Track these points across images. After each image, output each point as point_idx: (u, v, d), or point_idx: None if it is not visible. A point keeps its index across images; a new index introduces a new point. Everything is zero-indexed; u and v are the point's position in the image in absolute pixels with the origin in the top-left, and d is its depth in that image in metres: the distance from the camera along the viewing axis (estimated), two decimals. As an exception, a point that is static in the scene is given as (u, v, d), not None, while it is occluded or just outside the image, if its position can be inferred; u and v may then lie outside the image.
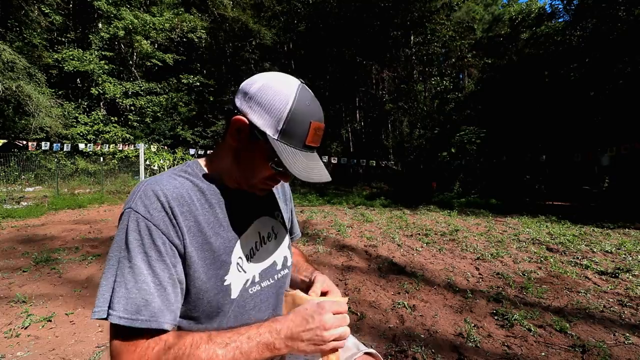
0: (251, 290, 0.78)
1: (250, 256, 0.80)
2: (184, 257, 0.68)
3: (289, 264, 0.91)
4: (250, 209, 0.82)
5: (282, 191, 1.00)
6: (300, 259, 1.05)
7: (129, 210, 0.65)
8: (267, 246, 0.85)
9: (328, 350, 0.67)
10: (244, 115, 0.69)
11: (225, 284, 0.74)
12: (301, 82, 0.72)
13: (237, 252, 0.77)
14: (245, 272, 0.78)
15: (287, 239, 0.93)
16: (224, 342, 0.62)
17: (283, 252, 0.90)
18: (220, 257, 0.73)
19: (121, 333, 0.60)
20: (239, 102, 0.70)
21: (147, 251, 0.63)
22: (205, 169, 0.78)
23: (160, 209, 0.66)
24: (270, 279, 0.84)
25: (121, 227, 0.65)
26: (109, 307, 0.60)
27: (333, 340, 0.65)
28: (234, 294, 0.75)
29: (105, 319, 0.60)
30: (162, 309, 0.62)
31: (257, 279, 0.80)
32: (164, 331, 0.63)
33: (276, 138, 0.67)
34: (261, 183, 0.75)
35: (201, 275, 0.70)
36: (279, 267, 0.87)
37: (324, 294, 0.83)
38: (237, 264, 0.76)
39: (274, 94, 0.67)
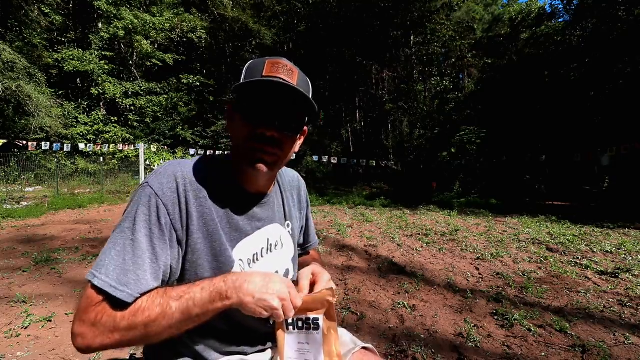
0: None
1: (254, 260, 0.80)
2: (184, 243, 0.70)
3: (290, 276, 0.89)
4: (262, 214, 0.82)
5: (297, 198, 0.98)
6: (311, 259, 1.03)
7: (145, 185, 0.68)
8: (272, 254, 0.84)
9: (279, 324, 0.69)
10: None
11: None
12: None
13: (240, 252, 0.77)
14: None
15: (293, 251, 0.91)
16: (178, 295, 0.62)
17: (286, 264, 0.88)
18: (226, 252, 0.74)
19: (100, 293, 0.61)
20: None
21: (152, 227, 0.65)
22: (224, 164, 0.80)
23: (174, 189, 0.68)
24: None
25: (135, 198, 0.67)
26: (101, 271, 0.61)
27: (272, 310, 0.62)
28: None
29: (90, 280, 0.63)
30: (149, 286, 0.63)
31: None
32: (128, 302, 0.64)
33: (237, 86, 0.69)
34: (248, 147, 0.71)
35: (204, 264, 0.72)
36: None
37: (312, 284, 0.79)
38: (239, 265, 0.76)
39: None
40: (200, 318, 0.62)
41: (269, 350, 0.86)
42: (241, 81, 0.69)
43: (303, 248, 1.04)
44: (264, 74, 0.68)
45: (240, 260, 0.77)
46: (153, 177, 0.69)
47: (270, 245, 0.84)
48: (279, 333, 0.71)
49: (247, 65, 0.73)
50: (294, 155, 0.92)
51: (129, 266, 0.62)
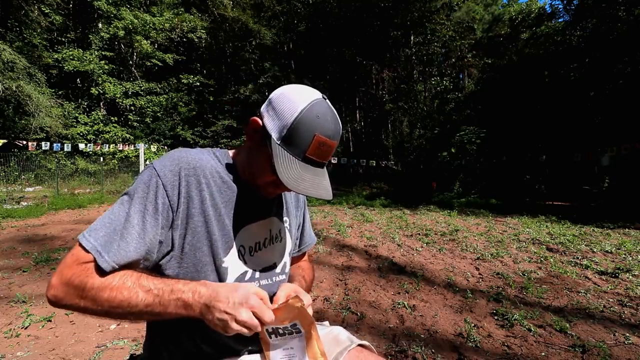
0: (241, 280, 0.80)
1: (255, 249, 0.82)
2: (184, 225, 0.72)
3: (286, 270, 0.92)
4: (262, 206, 0.85)
5: (295, 198, 1.00)
6: (299, 273, 1.00)
7: (150, 165, 0.72)
8: (273, 246, 0.87)
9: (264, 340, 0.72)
10: (261, 118, 0.74)
11: (224, 265, 0.76)
12: (323, 97, 0.74)
13: (242, 239, 0.79)
14: (245, 262, 0.80)
15: (290, 245, 0.94)
16: (148, 286, 0.64)
17: (284, 257, 0.91)
18: (225, 237, 0.76)
19: (85, 254, 0.64)
20: (263, 106, 0.75)
21: (147, 205, 0.68)
22: (231, 160, 0.83)
23: (175, 172, 0.71)
24: (269, 279, 0.85)
25: (139, 177, 0.72)
26: (91, 234, 0.65)
27: (236, 330, 0.62)
28: (229, 280, 0.77)
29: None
30: (128, 258, 0.66)
31: (257, 275, 0.82)
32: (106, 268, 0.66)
33: (278, 143, 0.69)
34: (264, 186, 0.78)
35: (203, 247, 0.74)
36: (278, 270, 0.88)
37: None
38: (239, 251, 0.79)
39: (288, 102, 0.70)
40: (162, 317, 0.65)
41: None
42: (287, 124, 0.68)
43: (299, 248, 1.04)
44: (308, 154, 0.69)
45: (242, 246, 0.79)
46: (159, 160, 0.73)
47: (273, 236, 0.86)
48: (263, 341, 0.73)
49: (303, 114, 0.68)
50: None
51: (116, 235, 0.65)
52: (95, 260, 0.63)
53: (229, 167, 0.81)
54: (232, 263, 0.77)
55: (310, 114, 0.68)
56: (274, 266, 0.87)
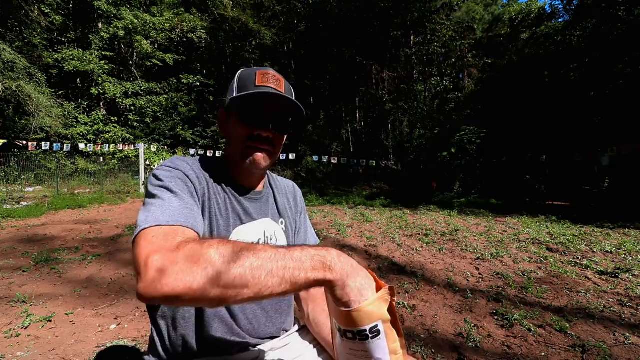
0: None
1: None
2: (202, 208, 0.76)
3: None
4: (256, 207, 0.88)
5: (293, 202, 1.01)
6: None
7: (159, 166, 0.75)
8: None
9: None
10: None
11: None
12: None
13: (237, 237, 0.82)
14: None
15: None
16: (271, 247, 0.53)
17: None
18: (223, 235, 0.79)
19: (152, 232, 0.56)
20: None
21: (182, 188, 0.70)
22: (220, 161, 0.89)
23: (186, 166, 0.76)
24: None
25: (149, 181, 0.72)
26: (149, 221, 0.58)
27: None
28: None
29: (151, 226, 0.57)
30: (194, 222, 0.63)
31: None
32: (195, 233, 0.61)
33: (235, 95, 0.79)
34: (245, 147, 0.80)
35: None
36: None
37: None
38: None
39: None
40: (294, 285, 0.50)
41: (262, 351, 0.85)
42: (234, 89, 0.81)
43: None
44: (257, 84, 0.78)
45: None
46: (160, 165, 0.75)
47: (267, 237, 0.88)
48: (335, 339, 0.61)
49: (238, 75, 0.83)
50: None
51: (167, 210, 0.61)
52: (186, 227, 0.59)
53: (221, 169, 0.85)
54: None
55: (247, 69, 0.83)
56: None
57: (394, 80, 20.08)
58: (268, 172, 0.98)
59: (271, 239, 0.88)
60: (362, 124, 22.47)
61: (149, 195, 0.68)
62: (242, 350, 0.82)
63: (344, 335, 0.57)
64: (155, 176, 0.72)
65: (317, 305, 0.90)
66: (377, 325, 0.55)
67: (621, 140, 9.55)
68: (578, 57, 13.31)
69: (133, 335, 2.22)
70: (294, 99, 0.83)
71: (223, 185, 0.84)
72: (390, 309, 0.56)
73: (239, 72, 0.84)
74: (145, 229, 0.56)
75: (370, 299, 0.54)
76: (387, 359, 0.56)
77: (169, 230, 0.56)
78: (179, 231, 0.57)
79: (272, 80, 0.80)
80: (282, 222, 0.93)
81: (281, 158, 12.56)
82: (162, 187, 0.68)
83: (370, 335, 0.55)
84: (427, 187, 13.41)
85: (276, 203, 0.95)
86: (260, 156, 0.80)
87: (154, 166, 12.17)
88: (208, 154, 12.67)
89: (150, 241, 0.53)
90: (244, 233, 0.82)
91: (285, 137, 0.89)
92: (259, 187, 0.92)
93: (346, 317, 0.54)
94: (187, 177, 0.74)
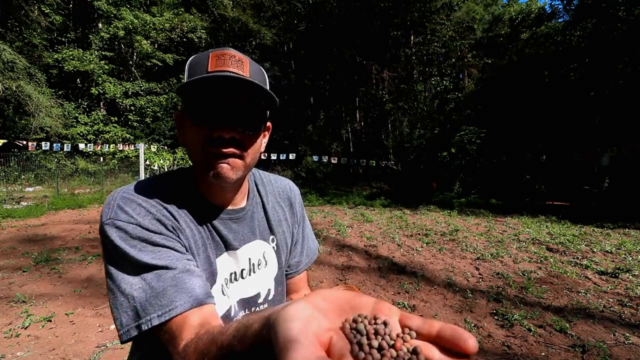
0: (228, 319, 0.71)
1: (231, 280, 0.72)
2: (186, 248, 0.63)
3: (270, 297, 0.79)
4: (238, 230, 0.73)
5: (289, 210, 0.85)
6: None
7: (109, 222, 0.57)
8: (255, 275, 0.76)
9: None
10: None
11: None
12: None
13: (220, 275, 0.70)
14: (228, 297, 0.71)
15: (276, 269, 0.80)
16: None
17: (268, 284, 0.79)
18: (207, 270, 0.67)
19: (166, 329, 0.53)
20: None
21: (151, 249, 0.57)
22: (190, 181, 0.70)
23: (144, 213, 0.59)
24: (247, 310, 0.75)
25: (105, 244, 0.57)
26: (139, 318, 0.53)
27: None
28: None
29: (137, 335, 0.53)
30: (194, 287, 0.55)
31: (236, 309, 0.73)
32: (203, 306, 0.55)
33: (182, 81, 0.62)
34: (205, 155, 0.62)
35: None
36: (260, 299, 0.77)
37: None
38: (222, 286, 0.70)
39: None
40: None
41: None
42: (184, 80, 0.61)
43: (297, 269, 0.87)
44: (209, 70, 0.60)
45: (225, 279, 0.71)
46: (113, 211, 0.59)
47: (253, 265, 0.75)
48: None
49: (188, 62, 0.63)
50: (264, 155, 0.79)
51: (146, 293, 0.54)
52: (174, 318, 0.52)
53: (189, 185, 0.68)
54: (218, 300, 0.67)
55: (201, 53, 0.64)
56: (257, 296, 0.76)
57: (394, 80, 20.09)
58: (255, 172, 0.82)
59: (259, 265, 0.76)
60: (362, 124, 22.48)
61: (110, 271, 0.56)
62: None
63: None
64: (110, 242, 0.56)
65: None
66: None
67: (621, 140, 9.55)
68: (578, 57, 13.32)
69: (133, 335, 2.22)
70: (266, 86, 0.64)
71: (193, 210, 0.66)
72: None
73: (190, 58, 0.64)
74: (145, 327, 0.53)
75: None
76: None
77: (169, 331, 0.53)
78: (176, 332, 0.53)
79: (231, 62, 0.61)
80: (273, 240, 0.79)
81: (281, 158, 12.54)
82: (125, 258, 0.55)
83: None
84: (427, 187, 13.41)
85: (266, 216, 0.79)
86: (225, 167, 0.61)
87: (154, 166, 12.20)
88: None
89: (165, 343, 0.53)
90: (226, 264, 0.70)
91: (263, 136, 0.70)
92: (240, 203, 0.74)
93: None
94: (147, 229, 0.58)
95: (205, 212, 0.68)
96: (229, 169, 0.62)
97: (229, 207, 0.71)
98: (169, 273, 0.55)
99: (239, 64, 0.61)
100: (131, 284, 0.55)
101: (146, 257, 0.55)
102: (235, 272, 0.72)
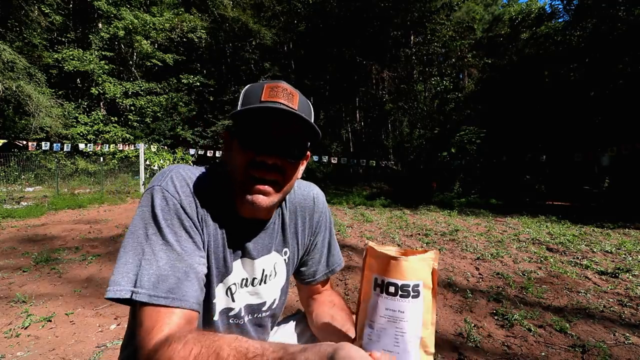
0: (232, 320, 0.78)
1: (242, 286, 0.78)
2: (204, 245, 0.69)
3: (274, 306, 0.85)
4: (259, 243, 0.78)
5: (308, 222, 0.87)
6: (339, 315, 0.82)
7: (158, 188, 0.65)
8: (266, 285, 0.81)
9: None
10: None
11: (214, 300, 0.73)
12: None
13: (231, 277, 0.75)
14: (234, 301, 0.76)
15: (284, 280, 0.86)
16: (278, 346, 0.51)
17: (275, 294, 0.84)
18: (218, 269, 0.73)
19: (150, 312, 0.57)
20: None
21: (177, 231, 0.63)
22: (223, 188, 0.74)
23: (189, 193, 0.67)
24: (251, 315, 0.82)
25: (145, 202, 0.64)
26: (135, 286, 0.58)
27: None
28: (215, 316, 0.74)
29: (130, 298, 0.57)
30: (191, 290, 0.61)
31: (242, 313, 0.79)
32: (192, 312, 0.61)
33: (238, 109, 0.67)
34: (245, 177, 0.67)
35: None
36: (265, 307, 0.83)
37: None
38: (229, 288, 0.75)
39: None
40: None
41: None
42: (239, 107, 0.66)
43: (314, 277, 0.90)
44: (262, 99, 0.65)
45: (234, 283, 0.76)
46: (164, 180, 0.67)
47: (265, 276, 0.80)
48: (365, 293, 0.60)
49: (244, 90, 0.70)
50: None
51: (165, 272, 0.59)
52: (180, 309, 0.58)
53: (218, 191, 0.72)
54: (218, 300, 0.74)
55: (255, 84, 0.70)
56: (262, 304, 0.82)
57: (394, 80, 20.09)
58: None
59: (270, 276, 0.81)
60: (362, 124, 22.48)
61: (137, 228, 0.63)
62: None
63: (384, 291, 0.57)
64: (151, 204, 0.63)
65: (321, 306, 0.87)
66: (419, 285, 0.57)
67: (621, 140, 9.55)
68: (578, 57, 13.32)
69: (133, 335, 2.22)
70: (311, 119, 0.69)
71: (224, 212, 0.72)
72: (432, 276, 0.58)
73: (246, 87, 0.70)
74: (145, 302, 0.57)
75: (418, 256, 0.57)
76: (418, 328, 0.57)
77: (153, 316, 0.56)
78: (163, 320, 0.56)
79: (282, 95, 0.66)
80: (285, 252, 0.84)
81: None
82: (155, 226, 0.62)
83: (411, 294, 0.56)
84: (427, 187, 13.41)
85: (283, 228, 0.83)
86: (261, 198, 0.66)
87: (154, 166, 12.19)
88: (208, 154, 12.67)
89: (151, 329, 0.56)
90: (240, 269, 0.76)
91: (301, 164, 0.75)
92: (269, 216, 0.79)
93: (395, 267, 0.56)
94: (184, 209, 0.65)
95: (233, 218, 0.73)
96: (264, 199, 0.67)
97: (255, 219, 0.76)
98: (179, 264, 0.61)
99: (290, 97, 0.67)
100: (144, 252, 0.60)
101: (169, 234, 0.62)
102: (247, 279, 0.78)
